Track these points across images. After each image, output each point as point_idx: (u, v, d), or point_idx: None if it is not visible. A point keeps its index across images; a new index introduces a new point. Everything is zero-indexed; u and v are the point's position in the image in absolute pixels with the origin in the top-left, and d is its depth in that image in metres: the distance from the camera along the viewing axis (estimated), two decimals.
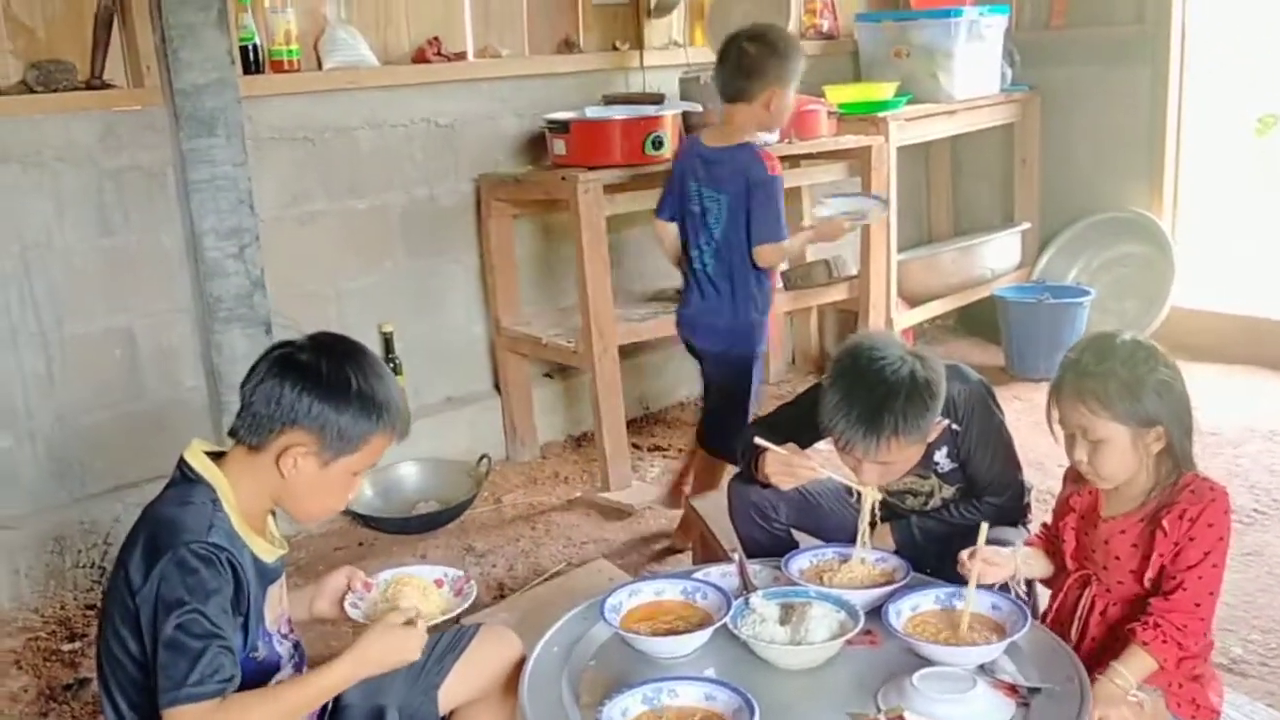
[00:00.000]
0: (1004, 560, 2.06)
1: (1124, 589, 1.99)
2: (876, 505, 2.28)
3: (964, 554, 2.05)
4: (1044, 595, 2.33)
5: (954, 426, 2.35)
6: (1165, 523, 1.92)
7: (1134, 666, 1.87)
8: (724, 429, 3.24)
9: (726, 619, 1.99)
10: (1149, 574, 1.94)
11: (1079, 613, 2.03)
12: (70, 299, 3.34)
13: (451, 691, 2.01)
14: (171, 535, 1.60)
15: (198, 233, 3.39)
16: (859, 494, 2.29)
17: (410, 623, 1.76)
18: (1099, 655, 1.98)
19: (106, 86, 3.34)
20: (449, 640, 2.04)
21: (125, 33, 3.38)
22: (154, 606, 1.57)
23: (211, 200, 3.40)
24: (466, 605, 1.98)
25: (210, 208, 3.40)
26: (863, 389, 2.18)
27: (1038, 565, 2.16)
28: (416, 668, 1.98)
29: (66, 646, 3.04)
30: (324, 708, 1.88)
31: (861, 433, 2.17)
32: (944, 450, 2.40)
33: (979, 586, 1.99)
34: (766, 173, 3.14)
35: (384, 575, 2.01)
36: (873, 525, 2.33)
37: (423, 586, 1.98)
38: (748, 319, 3.27)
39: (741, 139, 3.19)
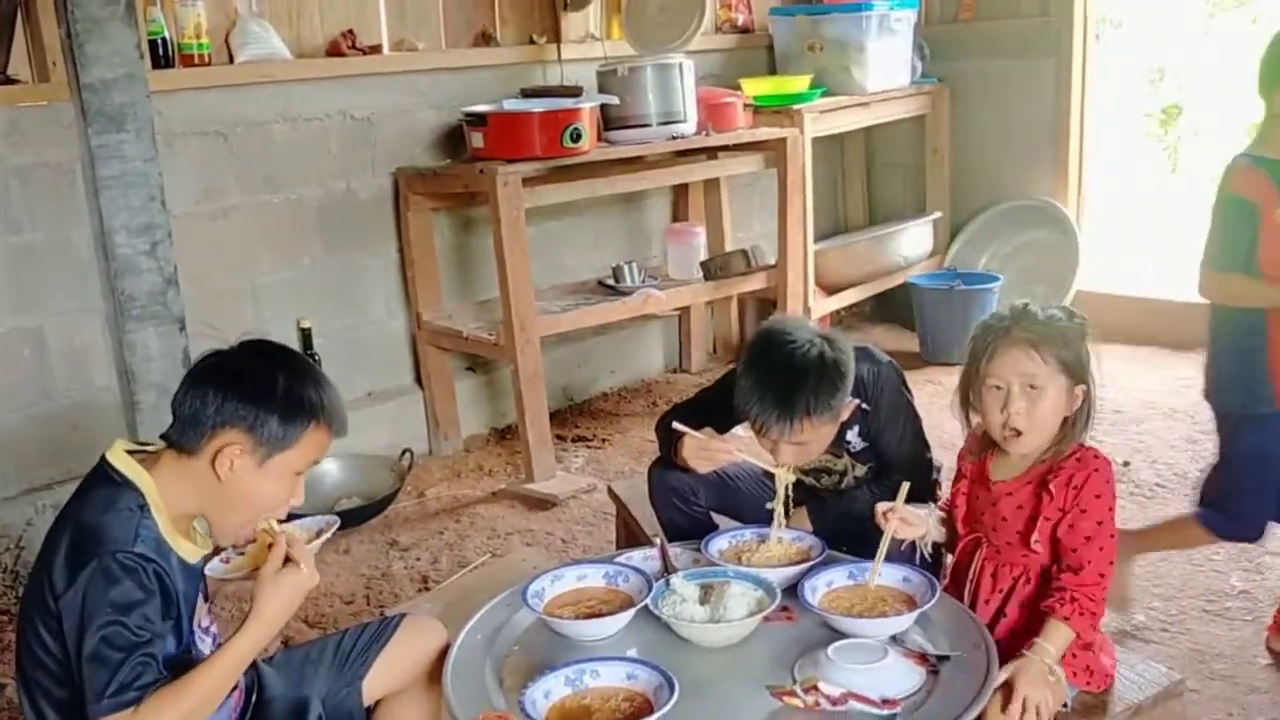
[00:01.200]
0: (918, 520, 2.14)
1: (1011, 551, 2.06)
2: (790, 487, 2.34)
3: (881, 507, 2.12)
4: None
5: (864, 406, 2.42)
6: (1052, 487, 2.00)
7: (1056, 641, 1.93)
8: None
9: (647, 600, 2.03)
10: (1034, 535, 2.02)
11: (971, 574, 2.10)
12: None
13: (375, 682, 2.01)
14: (96, 544, 1.59)
15: (108, 230, 3.34)
16: (776, 476, 2.35)
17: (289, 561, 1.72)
18: (995, 619, 2.06)
19: (10, 82, 3.26)
20: (372, 631, 2.04)
21: (29, 27, 3.30)
22: (78, 615, 1.56)
23: (122, 197, 3.34)
24: (328, 536, 1.93)
25: (121, 204, 3.34)
26: (775, 373, 2.25)
27: (946, 530, 2.23)
28: (340, 658, 1.99)
29: None
30: (247, 702, 1.88)
31: (776, 415, 2.24)
32: (855, 430, 2.47)
33: (892, 544, 2.08)
34: None
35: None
36: (789, 506, 2.39)
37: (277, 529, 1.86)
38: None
39: None
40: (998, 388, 2.00)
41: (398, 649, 2.03)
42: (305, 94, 3.84)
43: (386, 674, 2.02)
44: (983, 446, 2.13)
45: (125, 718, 1.53)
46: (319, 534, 1.94)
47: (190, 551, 1.72)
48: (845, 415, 2.35)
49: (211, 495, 1.71)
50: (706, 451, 2.42)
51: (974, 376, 2.05)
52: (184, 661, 1.66)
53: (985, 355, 2.01)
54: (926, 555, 2.20)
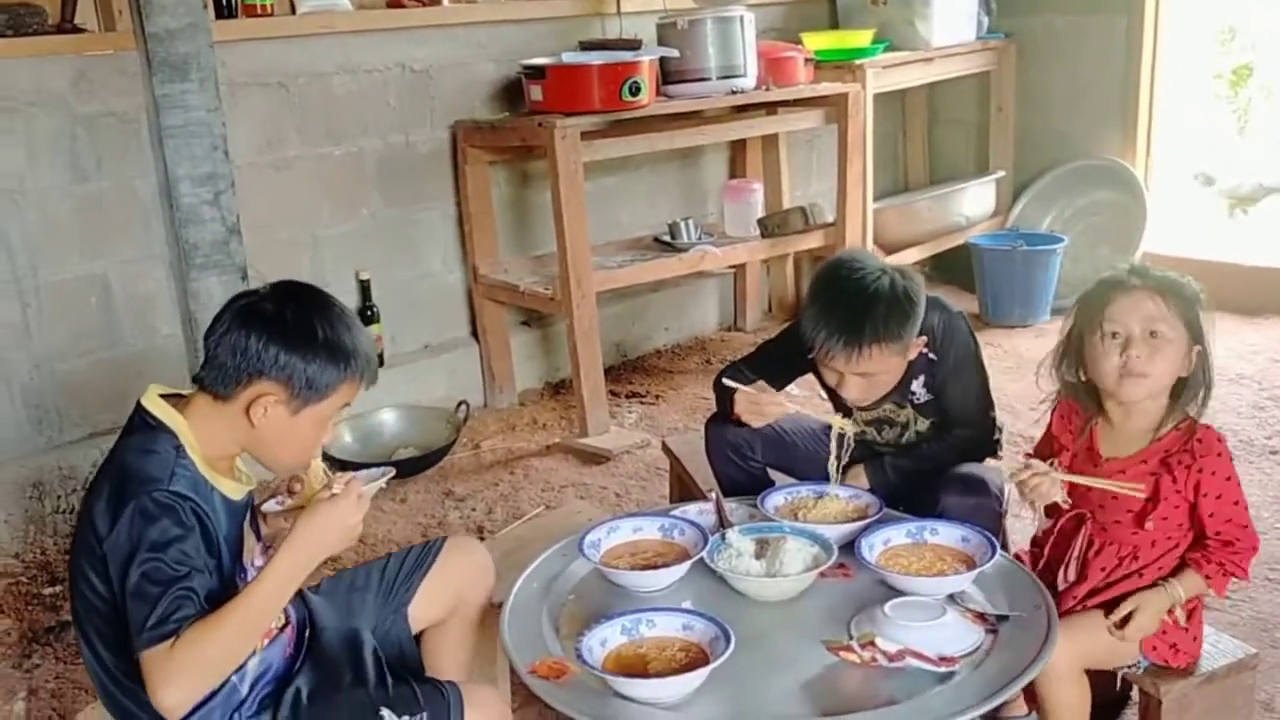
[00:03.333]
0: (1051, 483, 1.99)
1: (1119, 529, 2.00)
2: (850, 438, 2.32)
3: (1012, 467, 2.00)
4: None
5: (931, 355, 2.38)
6: (1175, 473, 1.93)
7: (1187, 585, 1.94)
8: None
9: (703, 553, 2.04)
10: (1149, 518, 1.96)
11: (1076, 550, 2.04)
12: (44, 246, 3.32)
13: (421, 608, 2.03)
14: (135, 484, 1.61)
15: (172, 179, 3.38)
16: (828, 429, 2.33)
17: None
18: (1091, 597, 2.02)
19: (78, 30, 3.30)
20: (415, 557, 2.06)
21: None
22: (120, 555, 1.59)
23: (185, 146, 3.38)
24: (383, 483, 1.88)
25: (184, 154, 3.38)
26: (843, 299, 2.22)
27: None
28: (386, 585, 2.01)
29: (47, 591, 3.06)
30: (301, 635, 1.91)
31: (843, 342, 2.21)
32: (920, 379, 2.43)
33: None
34: None
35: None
36: (848, 464, 2.39)
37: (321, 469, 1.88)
38: None
39: None
40: (1115, 334, 1.92)
41: (442, 573, 2.05)
42: (365, 46, 3.84)
43: (432, 599, 2.04)
44: (1085, 418, 2.05)
45: (164, 650, 1.55)
46: (374, 481, 1.92)
47: (233, 489, 1.74)
48: (913, 354, 2.31)
49: (247, 438, 1.72)
50: (758, 405, 2.40)
51: (1085, 329, 1.97)
52: (227, 599, 1.68)
53: (1103, 302, 1.94)
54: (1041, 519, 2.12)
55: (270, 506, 1.89)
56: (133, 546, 1.58)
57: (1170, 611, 1.95)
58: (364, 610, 1.98)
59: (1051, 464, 2.01)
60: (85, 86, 3.32)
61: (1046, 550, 2.12)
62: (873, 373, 2.28)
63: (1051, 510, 2.08)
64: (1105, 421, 2.03)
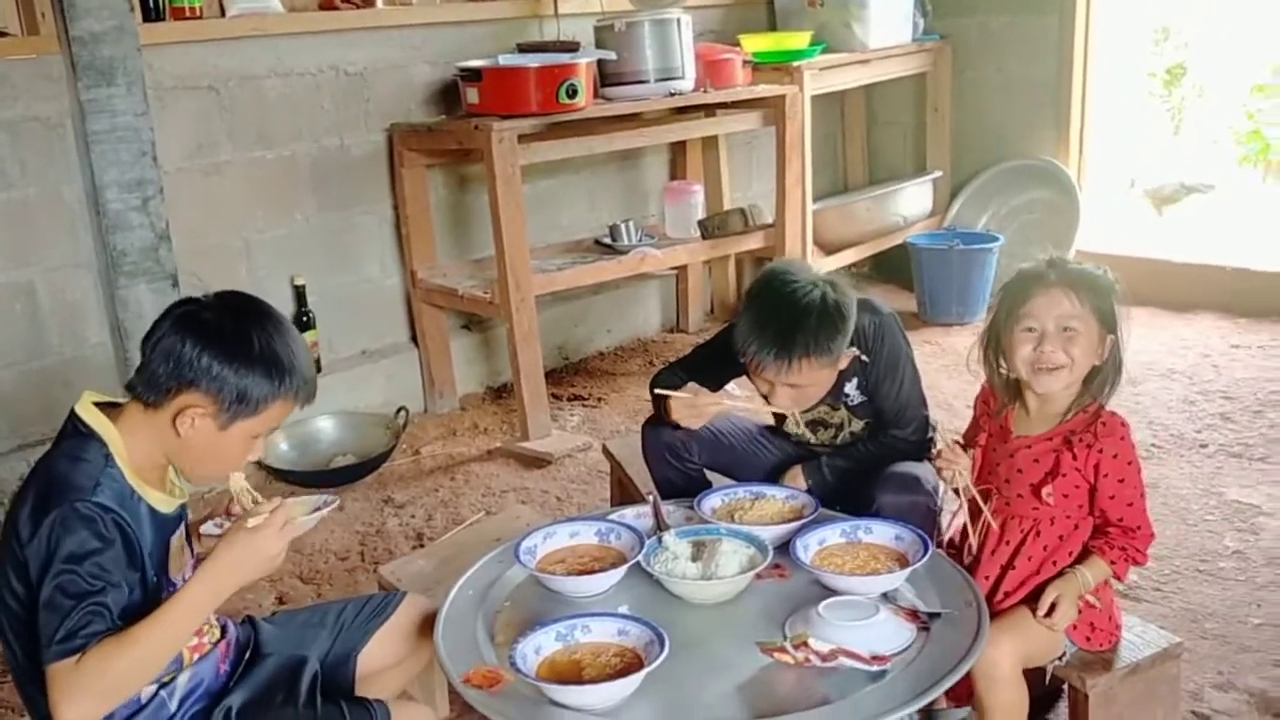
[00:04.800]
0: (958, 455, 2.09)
1: (1021, 504, 2.07)
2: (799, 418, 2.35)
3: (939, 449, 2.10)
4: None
5: (863, 358, 2.40)
6: (1076, 450, 2.01)
7: (1094, 571, 2.00)
8: None
9: (639, 557, 2.03)
10: (1047, 488, 2.03)
11: (980, 525, 2.10)
12: None
13: (371, 656, 2.00)
14: (59, 493, 1.58)
15: (99, 185, 3.31)
16: (771, 430, 2.34)
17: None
18: (1003, 573, 2.08)
19: None
20: (375, 606, 2.03)
21: None
22: (39, 562, 1.56)
23: (113, 152, 3.31)
24: (324, 513, 1.85)
25: (111, 159, 3.31)
26: (775, 312, 2.24)
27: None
28: (340, 627, 1.98)
29: None
30: (240, 655, 1.88)
31: (774, 354, 2.23)
32: (854, 381, 2.45)
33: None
34: None
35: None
36: (785, 465, 2.40)
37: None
38: None
39: None
40: (1031, 329, 2.00)
41: (395, 628, 2.01)
42: (297, 48, 3.79)
43: (382, 649, 2.00)
44: (1004, 402, 2.12)
45: (70, 665, 1.52)
46: (315, 510, 1.85)
47: (162, 501, 1.71)
48: (844, 364, 2.33)
49: (172, 448, 1.69)
50: (694, 409, 2.41)
51: (1005, 321, 2.04)
52: (150, 613, 1.64)
53: (1022, 298, 2.01)
54: (964, 497, 2.13)
55: (208, 529, 1.85)
56: (49, 556, 1.55)
57: (1081, 597, 2.01)
58: (315, 643, 1.94)
59: (969, 451, 2.10)
60: (7, 90, 3.24)
61: (958, 539, 2.18)
62: (802, 385, 2.30)
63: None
64: (1021, 406, 2.10)
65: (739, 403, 2.50)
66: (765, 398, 2.40)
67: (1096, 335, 2.00)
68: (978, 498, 2.07)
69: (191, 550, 1.83)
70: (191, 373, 1.63)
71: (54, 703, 1.52)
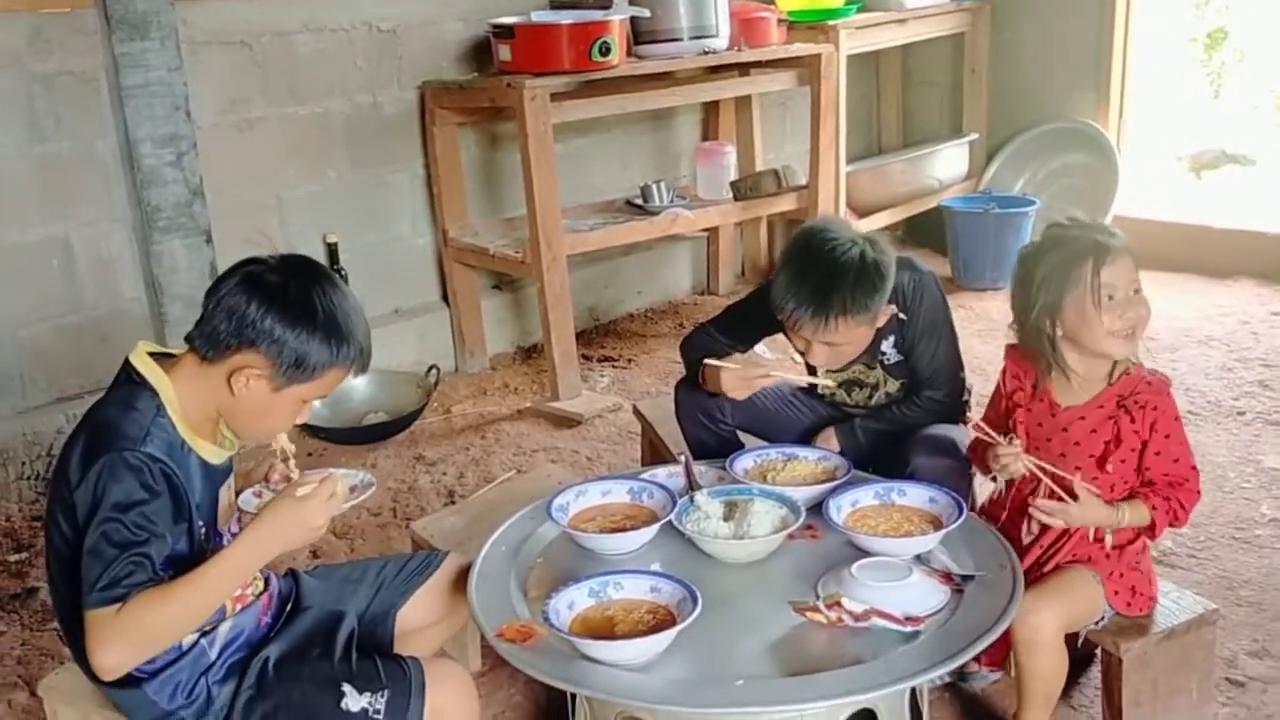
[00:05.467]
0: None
1: (1081, 475, 2.00)
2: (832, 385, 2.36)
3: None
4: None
5: (901, 316, 2.38)
6: (1133, 413, 1.98)
7: (1132, 513, 1.97)
8: None
9: (672, 516, 2.03)
10: (1110, 460, 2.00)
11: (1043, 490, 2.04)
12: (2, 208, 3.25)
13: (410, 614, 2.01)
14: (108, 440, 1.59)
15: (133, 140, 3.32)
16: (808, 389, 2.31)
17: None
18: (1056, 542, 2.05)
19: None
20: (416, 564, 2.04)
21: None
22: (86, 508, 1.58)
23: (146, 106, 3.32)
24: (363, 498, 1.89)
25: (145, 114, 3.32)
26: (813, 269, 2.22)
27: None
28: (380, 583, 1.99)
29: (13, 557, 3.02)
30: (281, 607, 1.90)
31: (810, 312, 2.21)
32: (890, 340, 2.43)
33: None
34: None
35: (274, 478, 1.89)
36: (819, 426, 2.39)
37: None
38: None
39: None
40: (1111, 297, 1.95)
41: (435, 587, 2.02)
42: (330, 3, 3.77)
43: (421, 607, 2.01)
44: (1043, 373, 2.06)
45: (109, 614, 1.54)
46: (352, 490, 1.87)
47: (213, 453, 1.72)
48: (881, 321, 2.32)
49: (224, 404, 1.70)
50: (745, 380, 2.40)
51: (1066, 292, 1.96)
52: (196, 564, 1.66)
53: (1094, 267, 1.94)
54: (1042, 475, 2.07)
55: (246, 500, 1.83)
56: (96, 503, 1.56)
57: (1099, 532, 1.99)
58: (354, 598, 1.96)
59: (1009, 439, 2.03)
60: (41, 45, 3.24)
61: (1008, 506, 2.14)
62: (840, 342, 2.28)
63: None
64: (1059, 374, 2.05)
65: (785, 375, 2.48)
66: (801, 354, 2.39)
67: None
68: (1049, 470, 1.98)
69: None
70: (253, 333, 1.63)
71: (91, 648, 1.55)
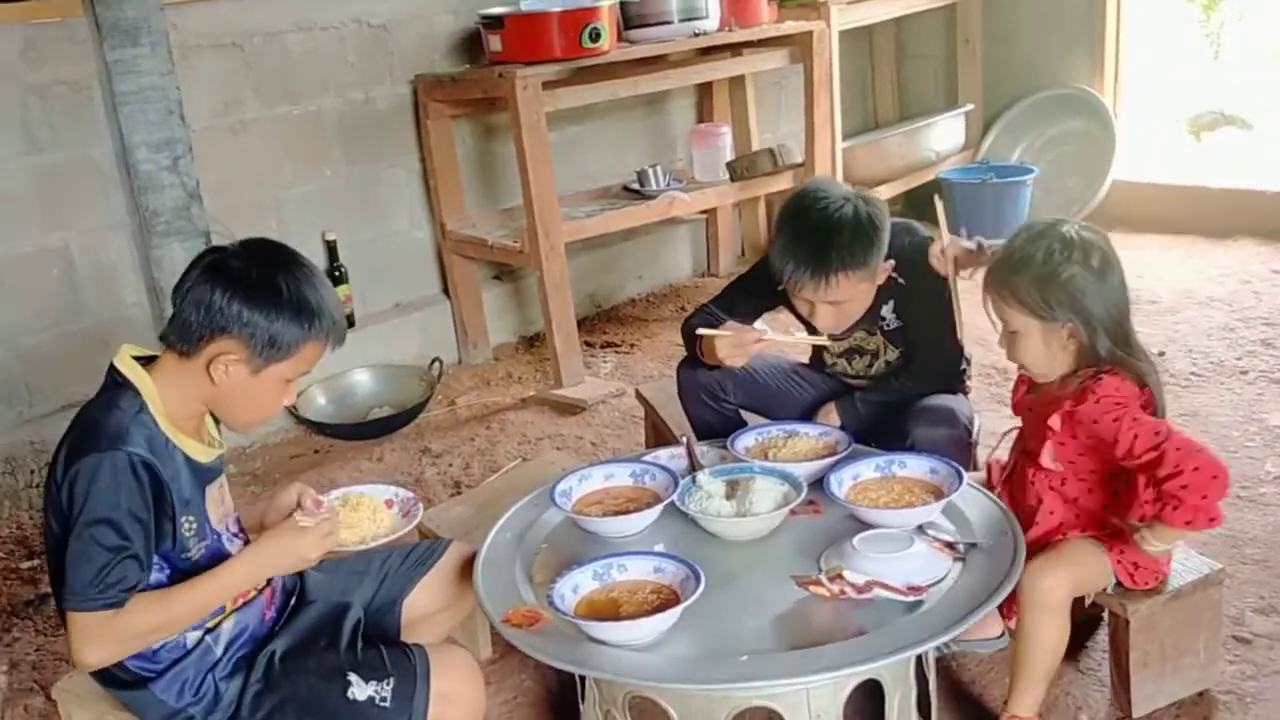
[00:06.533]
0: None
1: (1033, 453, 2.04)
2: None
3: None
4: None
5: (900, 280, 2.38)
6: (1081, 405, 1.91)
7: (1158, 535, 1.88)
8: None
9: (674, 497, 2.04)
10: (1048, 443, 1.99)
11: (1011, 463, 2.11)
12: (2, 219, 3.27)
13: (415, 603, 2.02)
14: (92, 439, 1.61)
15: (129, 146, 3.33)
16: (810, 362, 2.32)
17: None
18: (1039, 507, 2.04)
19: None
20: (420, 553, 2.05)
21: None
22: (69, 507, 1.60)
23: (140, 112, 3.33)
24: (411, 527, 1.95)
25: (140, 120, 3.33)
26: (808, 230, 2.24)
27: None
28: (385, 573, 2.01)
29: (25, 564, 3.05)
30: (285, 601, 1.92)
31: (810, 271, 2.23)
32: (890, 304, 2.44)
33: None
34: None
35: (335, 494, 1.98)
36: (819, 402, 2.40)
37: (373, 507, 1.97)
38: None
39: None
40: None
41: (440, 574, 2.03)
42: (319, 2, 3.77)
43: (427, 595, 2.03)
44: None
45: (105, 617, 1.58)
46: (405, 514, 1.96)
47: (199, 451, 1.74)
48: (881, 278, 2.33)
49: (209, 396, 1.72)
50: (739, 345, 2.40)
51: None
52: (182, 562, 1.70)
53: (984, 288, 2.03)
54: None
55: (303, 520, 1.80)
56: (80, 503, 1.59)
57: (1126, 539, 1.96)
58: (359, 589, 1.98)
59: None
60: (34, 55, 3.25)
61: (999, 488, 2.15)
62: (842, 300, 2.30)
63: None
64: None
65: (780, 337, 2.49)
66: (806, 319, 2.40)
67: (1037, 332, 1.98)
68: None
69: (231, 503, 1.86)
70: (223, 320, 1.65)
71: (76, 646, 1.60)
